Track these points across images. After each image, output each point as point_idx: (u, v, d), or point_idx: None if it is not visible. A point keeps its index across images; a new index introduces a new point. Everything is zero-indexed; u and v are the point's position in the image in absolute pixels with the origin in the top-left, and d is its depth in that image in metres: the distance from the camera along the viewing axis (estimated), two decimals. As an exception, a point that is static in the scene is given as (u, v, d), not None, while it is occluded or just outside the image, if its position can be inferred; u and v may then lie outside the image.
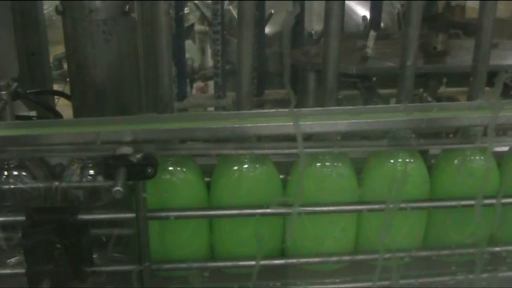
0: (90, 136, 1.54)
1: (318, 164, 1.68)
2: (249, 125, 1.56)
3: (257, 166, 1.68)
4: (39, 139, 1.58)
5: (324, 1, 1.81)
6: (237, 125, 1.57)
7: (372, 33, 2.14)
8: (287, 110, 1.53)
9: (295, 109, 1.51)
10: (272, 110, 1.59)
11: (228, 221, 1.72)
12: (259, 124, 1.56)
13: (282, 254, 1.77)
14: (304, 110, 1.58)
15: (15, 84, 1.78)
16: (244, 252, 1.72)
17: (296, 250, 1.75)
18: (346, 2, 2.58)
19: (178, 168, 1.68)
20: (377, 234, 1.69)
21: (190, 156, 1.71)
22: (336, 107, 1.64)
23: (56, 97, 2.53)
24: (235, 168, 1.68)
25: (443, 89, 2.25)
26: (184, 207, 1.68)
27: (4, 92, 1.75)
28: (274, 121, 1.55)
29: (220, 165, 1.72)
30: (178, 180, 1.68)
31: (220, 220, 1.73)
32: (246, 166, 1.68)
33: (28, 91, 2.02)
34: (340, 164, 1.69)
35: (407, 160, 1.70)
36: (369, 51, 2.15)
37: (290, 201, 1.62)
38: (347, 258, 1.75)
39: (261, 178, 1.69)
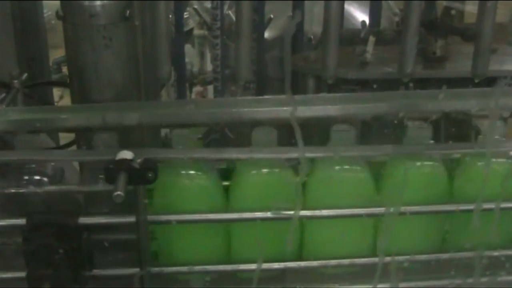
0: (97, 119, 1.59)
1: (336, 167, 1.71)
2: (245, 109, 1.62)
3: (276, 170, 1.70)
4: (49, 122, 1.63)
5: (323, 6, 1.83)
6: (234, 109, 1.63)
7: (372, 38, 2.14)
8: (283, 96, 1.58)
9: (291, 96, 1.55)
10: (269, 97, 1.64)
11: (244, 225, 1.73)
12: (254, 109, 1.62)
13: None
14: (299, 96, 1.63)
15: (25, 74, 1.93)
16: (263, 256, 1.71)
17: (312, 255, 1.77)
18: (345, 7, 2.58)
19: (193, 172, 1.70)
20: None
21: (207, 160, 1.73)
22: (331, 94, 1.77)
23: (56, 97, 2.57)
24: (254, 172, 1.70)
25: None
26: (197, 211, 1.69)
27: (16, 81, 1.88)
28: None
29: (239, 169, 1.73)
30: (193, 184, 1.70)
31: (238, 224, 1.75)
32: (265, 170, 1.70)
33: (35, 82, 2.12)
34: (357, 168, 1.71)
35: (426, 164, 1.71)
36: (368, 56, 2.15)
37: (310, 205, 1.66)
38: (346, 261, 1.76)
39: (280, 182, 1.70)
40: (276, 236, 1.69)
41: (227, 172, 1.76)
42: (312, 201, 1.70)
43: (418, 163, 1.71)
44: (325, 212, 1.69)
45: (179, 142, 1.70)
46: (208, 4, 2.88)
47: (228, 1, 2.95)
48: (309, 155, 1.59)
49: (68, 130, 1.80)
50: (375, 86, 2.03)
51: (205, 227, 1.73)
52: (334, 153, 1.63)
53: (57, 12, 1.76)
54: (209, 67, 3.69)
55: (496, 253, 1.75)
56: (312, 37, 2.55)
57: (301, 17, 2.41)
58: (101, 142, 1.65)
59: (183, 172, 1.70)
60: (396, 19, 2.87)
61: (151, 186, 1.64)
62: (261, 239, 1.65)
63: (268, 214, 1.65)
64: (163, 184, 1.66)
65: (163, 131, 2.10)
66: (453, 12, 2.54)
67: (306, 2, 2.48)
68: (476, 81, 1.89)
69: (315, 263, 1.75)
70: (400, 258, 1.70)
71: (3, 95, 1.88)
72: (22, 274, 1.59)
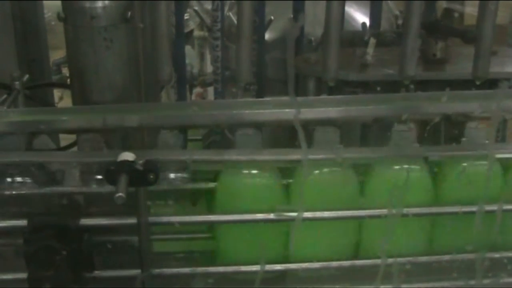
0: (98, 121, 1.61)
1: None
2: (247, 111, 1.64)
3: (334, 169, 1.70)
4: (50, 124, 1.65)
5: (322, 7, 1.83)
6: (236, 112, 1.64)
7: (372, 40, 2.14)
8: (286, 98, 1.60)
9: (294, 98, 1.56)
10: (271, 99, 1.64)
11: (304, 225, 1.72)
12: (257, 111, 1.64)
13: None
14: (300, 98, 1.66)
15: (26, 76, 1.92)
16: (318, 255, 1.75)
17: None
18: (345, 8, 2.58)
19: (255, 172, 1.71)
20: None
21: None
22: (332, 96, 1.78)
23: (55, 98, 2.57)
24: (316, 172, 1.70)
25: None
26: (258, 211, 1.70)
27: (17, 82, 1.88)
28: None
29: (300, 168, 1.73)
30: (256, 183, 1.72)
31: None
32: (326, 170, 1.70)
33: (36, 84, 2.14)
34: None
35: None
36: (368, 58, 2.15)
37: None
38: (347, 263, 1.76)
39: (339, 181, 1.71)
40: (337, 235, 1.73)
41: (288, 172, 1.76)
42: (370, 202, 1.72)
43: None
44: (326, 214, 1.69)
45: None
46: (209, 6, 2.87)
47: (229, 3, 2.95)
48: (312, 157, 1.60)
49: (69, 131, 1.80)
50: (378, 88, 2.03)
51: (263, 226, 1.73)
52: (337, 155, 1.63)
53: (58, 14, 1.76)
54: (209, 68, 3.69)
55: (497, 255, 1.75)
56: (312, 38, 2.55)
57: (304, 19, 2.41)
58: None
59: (246, 171, 1.71)
60: (399, 21, 2.86)
61: (213, 186, 1.70)
62: (263, 241, 1.66)
63: (271, 216, 1.67)
64: (226, 184, 1.70)
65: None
66: (456, 14, 2.54)
67: (306, 3, 2.47)
68: (477, 83, 1.89)
69: (316, 265, 1.75)
70: (402, 260, 1.70)
71: (4, 96, 1.88)
72: (23, 275, 1.59)
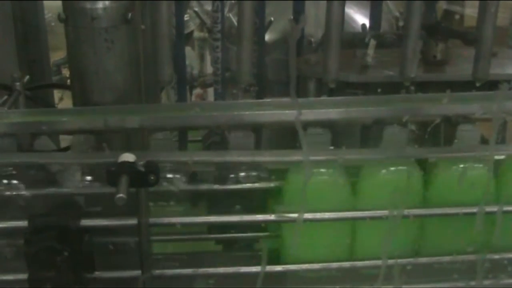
0: (99, 122, 1.62)
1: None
2: (248, 112, 1.65)
3: (400, 168, 1.71)
4: (51, 125, 1.66)
5: (324, 9, 1.83)
6: (238, 113, 1.65)
7: (373, 42, 2.14)
8: (287, 99, 1.60)
9: (296, 99, 1.56)
10: (272, 100, 1.73)
11: (368, 223, 1.75)
12: (258, 112, 1.64)
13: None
14: (301, 99, 1.65)
15: (27, 77, 1.94)
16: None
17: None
18: (346, 10, 2.58)
19: (324, 170, 1.71)
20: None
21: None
22: (333, 98, 1.77)
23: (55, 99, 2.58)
24: (384, 171, 1.72)
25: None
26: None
27: (18, 83, 1.89)
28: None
29: (366, 168, 1.75)
30: (324, 181, 1.72)
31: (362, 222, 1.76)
32: (392, 168, 1.72)
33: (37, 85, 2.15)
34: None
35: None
36: (369, 59, 2.15)
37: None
38: (347, 264, 1.76)
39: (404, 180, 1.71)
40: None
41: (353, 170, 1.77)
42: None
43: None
44: (326, 215, 1.70)
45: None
46: (209, 7, 2.87)
47: (229, 4, 2.95)
48: (313, 158, 1.60)
49: (69, 132, 1.80)
50: (379, 90, 2.03)
51: (329, 224, 1.73)
52: (337, 157, 1.63)
53: (59, 15, 1.76)
54: (209, 69, 3.69)
55: (497, 256, 1.75)
56: (313, 40, 2.55)
57: (304, 21, 2.41)
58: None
59: (315, 170, 1.69)
60: (401, 23, 2.86)
61: (282, 185, 1.69)
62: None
63: (272, 217, 1.67)
64: (294, 183, 1.69)
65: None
66: (456, 16, 2.55)
67: (307, 4, 2.48)
68: (478, 85, 1.89)
69: (316, 266, 1.75)
70: (403, 261, 1.71)
71: (5, 97, 1.88)
72: (24, 276, 1.59)
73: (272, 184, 1.76)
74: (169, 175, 1.73)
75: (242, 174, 1.75)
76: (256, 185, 1.76)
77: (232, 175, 1.75)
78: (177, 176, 1.73)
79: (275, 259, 1.77)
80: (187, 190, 1.76)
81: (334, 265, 1.75)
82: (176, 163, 1.71)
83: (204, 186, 1.76)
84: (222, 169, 1.76)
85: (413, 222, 1.74)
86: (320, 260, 1.74)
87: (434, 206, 1.75)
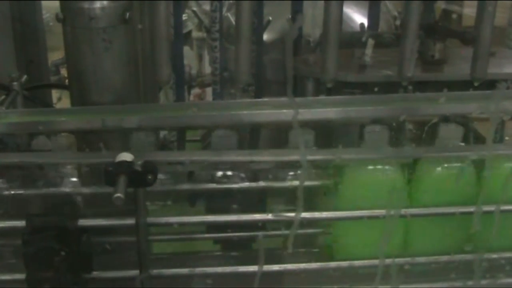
0: (97, 122, 1.62)
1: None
2: (246, 112, 1.65)
3: (457, 165, 1.72)
4: (49, 124, 1.66)
5: (322, 8, 1.83)
6: (236, 112, 1.65)
7: (371, 41, 2.14)
8: (284, 99, 1.59)
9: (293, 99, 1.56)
10: (270, 99, 1.71)
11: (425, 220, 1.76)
12: (256, 112, 1.65)
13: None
14: (299, 99, 1.67)
15: (25, 77, 1.92)
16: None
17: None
18: (344, 9, 2.58)
19: (380, 167, 1.73)
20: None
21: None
22: (331, 97, 1.79)
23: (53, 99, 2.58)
24: (439, 169, 1.72)
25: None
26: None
27: (16, 83, 1.89)
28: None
29: (422, 164, 1.75)
30: (381, 178, 1.73)
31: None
32: (446, 165, 1.73)
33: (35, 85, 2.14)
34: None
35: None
36: (367, 59, 2.15)
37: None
38: (345, 264, 1.76)
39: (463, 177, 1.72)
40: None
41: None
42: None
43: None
44: (324, 215, 1.70)
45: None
46: (207, 7, 2.87)
47: (227, 4, 2.95)
48: (310, 158, 1.60)
49: (67, 132, 1.80)
50: (376, 89, 2.03)
51: (381, 222, 1.72)
52: (335, 156, 1.63)
53: (57, 15, 1.76)
54: (207, 69, 3.69)
55: (495, 256, 1.75)
56: (311, 39, 2.55)
57: (302, 20, 2.41)
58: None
59: (371, 167, 1.72)
60: (398, 22, 2.87)
61: (338, 181, 1.71)
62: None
63: (269, 216, 1.67)
64: (351, 179, 1.71)
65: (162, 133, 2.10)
66: (454, 16, 2.55)
67: (305, 4, 2.47)
68: (475, 84, 1.89)
69: (314, 265, 1.75)
70: (401, 260, 1.71)
71: (3, 97, 1.88)
72: (22, 276, 1.59)
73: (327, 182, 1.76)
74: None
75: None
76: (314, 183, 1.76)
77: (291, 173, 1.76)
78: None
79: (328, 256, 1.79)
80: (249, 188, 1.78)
81: (332, 264, 1.75)
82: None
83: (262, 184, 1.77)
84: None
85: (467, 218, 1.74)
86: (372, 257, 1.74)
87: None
